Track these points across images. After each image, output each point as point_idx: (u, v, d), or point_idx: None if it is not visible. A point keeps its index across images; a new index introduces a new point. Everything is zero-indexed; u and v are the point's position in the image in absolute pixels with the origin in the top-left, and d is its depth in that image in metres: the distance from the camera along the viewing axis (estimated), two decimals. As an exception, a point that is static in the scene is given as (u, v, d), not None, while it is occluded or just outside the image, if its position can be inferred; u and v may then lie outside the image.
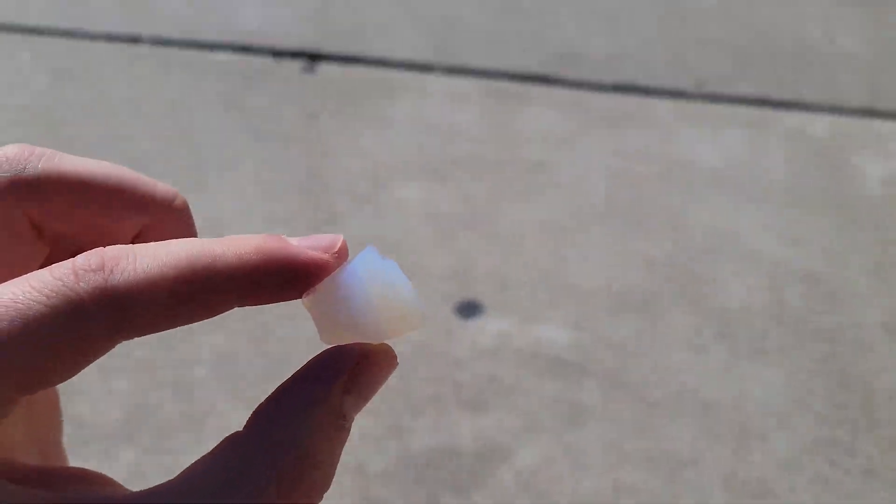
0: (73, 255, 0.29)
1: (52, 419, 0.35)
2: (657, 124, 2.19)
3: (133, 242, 0.32)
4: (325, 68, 2.34)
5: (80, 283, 0.26)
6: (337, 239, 0.30)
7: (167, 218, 0.33)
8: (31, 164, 0.30)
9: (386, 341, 0.31)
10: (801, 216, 1.91)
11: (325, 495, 0.29)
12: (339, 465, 0.30)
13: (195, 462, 0.28)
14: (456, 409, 1.47)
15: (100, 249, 0.28)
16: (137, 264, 0.27)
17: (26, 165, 0.30)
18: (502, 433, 1.44)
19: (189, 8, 2.54)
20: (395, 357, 0.31)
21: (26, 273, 0.29)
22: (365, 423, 1.46)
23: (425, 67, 2.36)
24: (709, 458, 1.41)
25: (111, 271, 0.27)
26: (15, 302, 0.26)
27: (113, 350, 0.28)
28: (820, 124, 2.20)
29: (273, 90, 2.25)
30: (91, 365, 0.28)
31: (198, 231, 0.35)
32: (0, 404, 0.26)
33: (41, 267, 0.30)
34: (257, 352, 1.58)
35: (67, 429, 0.36)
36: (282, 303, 0.30)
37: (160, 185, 0.33)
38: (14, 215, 0.30)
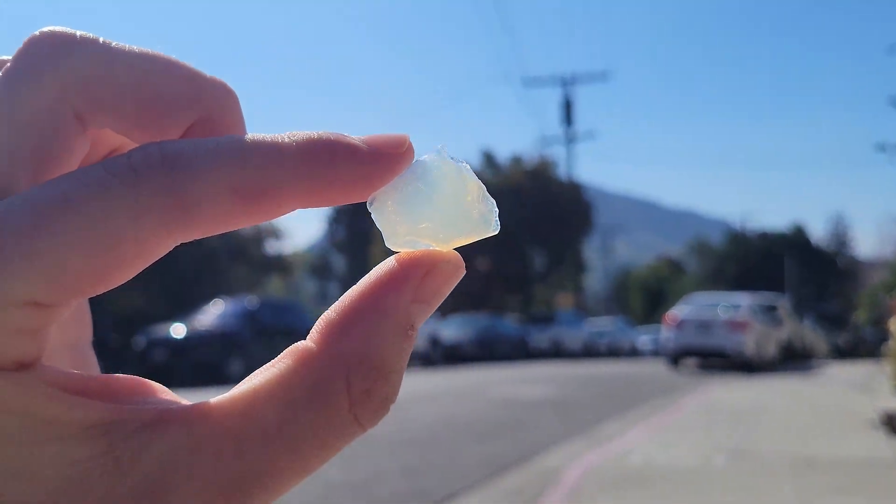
0: (113, 154, 0.27)
1: (84, 321, 0.34)
2: None
3: (183, 137, 0.30)
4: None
5: (140, 179, 0.25)
6: (403, 137, 0.28)
7: (218, 113, 0.30)
8: (79, 51, 0.28)
9: (455, 246, 0.29)
10: None
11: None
12: None
13: (261, 373, 0.27)
14: None
15: (156, 144, 0.26)
16: (198, 160, 0.26)
17: (72, 51, 0.28)
18: None
19: None
20: (463, 264, 0.29)
21: (66, 168, 0.28)
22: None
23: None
24: None
25: (172, 166, 0.25)
26: (67, 200, 0.24)
27: None
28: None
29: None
30: None
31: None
32: (59, 306, 0.25)
33: (81, 164, 0.29)
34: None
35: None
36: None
37: (210, 77, 0.30)
38: (58, 105, 0.28)
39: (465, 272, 0.29)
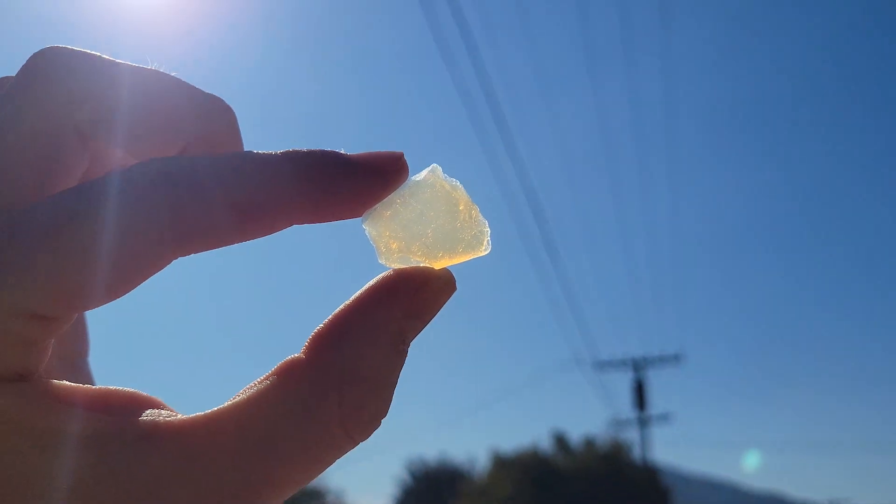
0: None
1: (82, 336, 0.35)
2: None
3: (182, 154, 0.30)
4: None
5: (140, 195, 0.25)
6: (398, 154, 0.29)
7: (216, 130, 0.31)
8: (80, 69, 0.29)
9: (448, 265, 0.29)
10: None
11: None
12: None
13: (254, 386, 0.27)
14: None
15: (156, 160, 0.27)
16: (196, 176, 0.26)
17: (74, 68, 0.29)
18: None
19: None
20: (454, 282, 0.30)
21: (68, 183, 0.29)
22: None
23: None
24: None
25: (171, 183, 0.26)
26: (70, 216, 0.25)
27: None
28: None
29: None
30: None
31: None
32: (59, 319, 0.26)
33: (82, 179, 0.30)
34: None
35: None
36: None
37: (208, 95, 0.31)
38: (60, 122, 0.28)
39: (456, 289, 0.29)
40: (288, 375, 0.27)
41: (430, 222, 0.29)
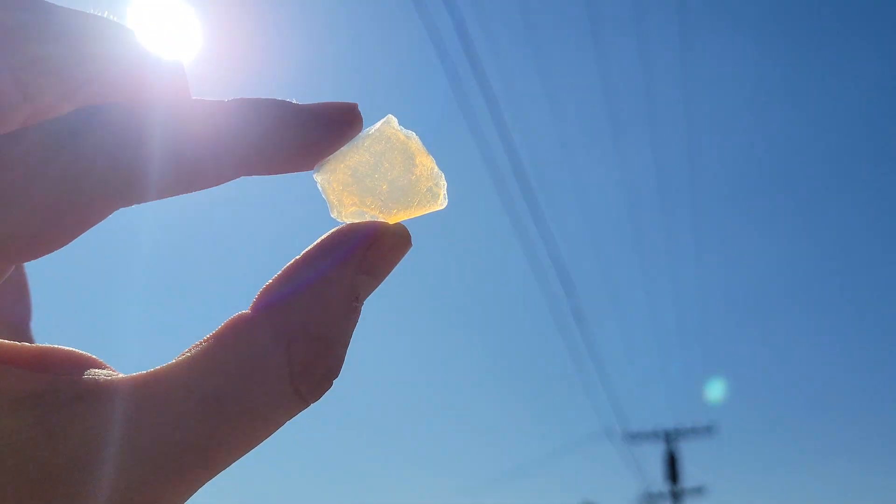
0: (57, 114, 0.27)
1: (23, 298, 0.33)
2: None
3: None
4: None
5: (78, 143, 0.24)
6: (352, 105, 0.28)
7: (159, 79, 0.29)
8: (21, 9, 0.27)
9: (403, 219, 0.28)
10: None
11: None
12: None
13: (200, 345, 0.26)
14: None
15: (96, 107, 0.25)
16: (141, 123, 0.25)
17: (13, 8, 0.27)
18: None
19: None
20: (409, 237, 0.28)
21: (4, 126, 0.27)
22: None
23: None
24: None
25: (113, 132, 0.24)
26: (2, 164, 0.23)
27: None
28: None
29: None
30: None
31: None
32: None
33: (22, 124, 0.28)
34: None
35: None
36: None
37: (153, 49, 0.29)
38: None
39: (411, 245, 0.28)
40: (234, 332, 0.26)
41: (385, 175, 0.28)
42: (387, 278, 0.28)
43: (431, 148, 0.28)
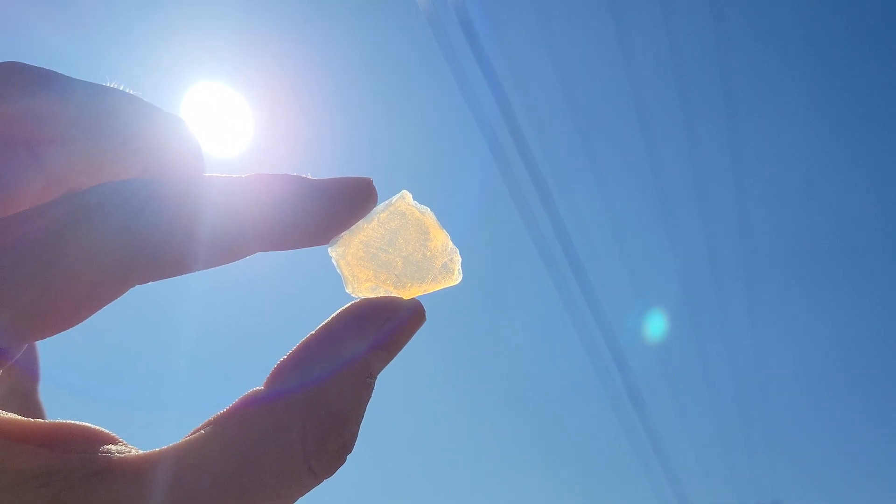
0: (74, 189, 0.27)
1: (31, 364, 0.33)
2: None
3: (141, 175, 0.30)
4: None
5: (96, 218, 0.24)
6: (367, 180, 0.28)
7: (175, 149, 0.30)
8: (35, 85, 0.28)
9: (418, 294, 0.28)
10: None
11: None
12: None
13: (214, 420, 0.26)
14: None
15: (113, 184, 0.25)
16: (159, 203, 0.25)
17: (28, 84, 0.27)
18: None
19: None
20: (424, 312, 0.28)
21: (19, 201, 0.27)
22: None
23: None
24: None
25: (133, 211, 0.25)
26: (18, 241, 0.24)
27: None
28: None
29: None
30: None
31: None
32: (9, 351, 0.25)
33: (43, 200, 0.28)
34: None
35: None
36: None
37: (167, 113, 0.30)
38: (10, 138, 0.27)
39: (426, 320, 0.28)
40: (249, 408, 0.26)
41: (400, 250, 0.28)
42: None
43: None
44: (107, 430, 0.28)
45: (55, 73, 0.28)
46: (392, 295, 0.28)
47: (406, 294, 0.28)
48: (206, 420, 0.26)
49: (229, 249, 0.27)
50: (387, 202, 0.29)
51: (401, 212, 0.28)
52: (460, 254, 0.28)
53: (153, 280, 0.26)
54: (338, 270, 0.28)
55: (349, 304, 0.28)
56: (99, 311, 0.26)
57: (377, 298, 0.28)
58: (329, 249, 0.28)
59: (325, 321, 0.28)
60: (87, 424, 0.28)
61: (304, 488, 0.26)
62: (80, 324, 0.26)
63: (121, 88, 0.29)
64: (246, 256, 0.27)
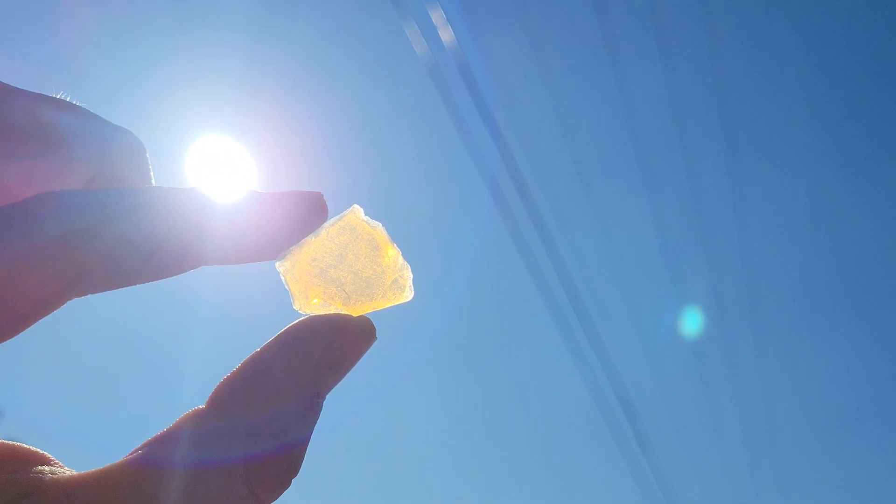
0: (13, 201, 0.27)
1: None
2: None
3: (86, 188, 0.28)
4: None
5: (35, 230, 0.23)
6: (317, 194, 0.27)
7: (123, 163, 0.29)
8: None
9: (368, 311, 0.27)
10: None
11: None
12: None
13: (155, 439, 0.25)
14: None
15: (53, 195, 0.24)
16: (99, 213, 0.24)
17: None
18: None
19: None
20: (374, 330, 0.27)
21: None
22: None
23: None
24: None
25: (72, 220, 0.24)
26: None
27: None
28: None
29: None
30: None
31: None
32: None
33: None
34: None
35: None
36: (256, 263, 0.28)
37: (115, 126, 0.29)
38: None
39: (376, 339, 0.27)
40: (188, 429, 0.25)
41: (349, 266, 0.27)
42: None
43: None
44: (40, 451, 0.27)
45: None
46: (341, 312, 0.27)
47: (355, 311, 0.28)
48: (145, 441, 0.25)
49: (174, 262, 0.26)
50: (337, 217, 0.28)
51: (351, 227, 0.28)
52: (412, 270, 0.28)
53: (92, 293, 0.25)
54: (285, 286, 0.28)
55: (296, 321, 0.27)
56: (34, 325, 0.25)
57: (325, 315, 0.27)
58: (276, 264, 0.28)
59: (271, 339, 0.27)
60: (17, 444, 0.26)
61: None
62: (13, 339, 0.25)
63: (66, 99, 0.28)
64: (191, 270, 0.26)
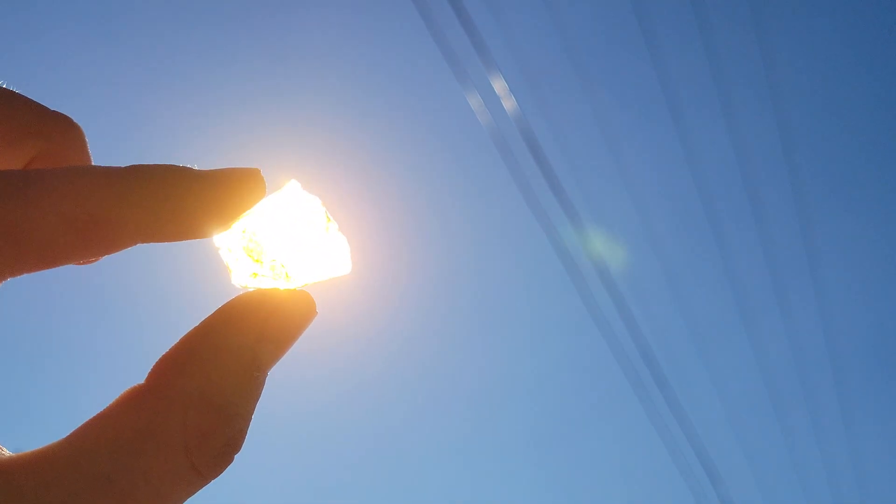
0: None
1: None
2: None
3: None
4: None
5: None
6: (254, 170, 0.27)
7: (61, 147, 0.28)
8: None
9: (306, 287, 0.28)
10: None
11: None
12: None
13: (92, 419, 0.25)
14: None
15: None
16: (25, 188, 0.24)
17: None
18: None
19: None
20: (315, 305, 0.28)
21: None
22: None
23: None
24: None
25: (4, 198, 0.23)
26: None
27: None
28: None
29: None
30: None
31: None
32: None
33: None
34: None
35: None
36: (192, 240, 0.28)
37: (53, 111, 0.29)
38: None
39: (316, 313, 0.27)
40: (128, 404, 0.25)
41: (287, 242, 0.28)
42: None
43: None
44: None
45: None
46: (279, 286, 0.28)
47: (294, 285, 0.28)
48: (86, 420, 0.25)
49: (107, 239, 0.26)
50: (275, 192, 0.28)
51: (288, 202, 0.28)
52: (349, 243, 0.28)
53: (28, 272, 0.25)
54: (223, 261, 0.28)
55: (235, 296, 0.27)
56: None
57: (262, 290, 0.27)
58: (214, 240, 0.28)
59: (209, 314, 0.27)
60: None
61: (189, 488, 0.25)
62: None
63: (2, 85, 0.28)
64: (125, 248, 0.26)
